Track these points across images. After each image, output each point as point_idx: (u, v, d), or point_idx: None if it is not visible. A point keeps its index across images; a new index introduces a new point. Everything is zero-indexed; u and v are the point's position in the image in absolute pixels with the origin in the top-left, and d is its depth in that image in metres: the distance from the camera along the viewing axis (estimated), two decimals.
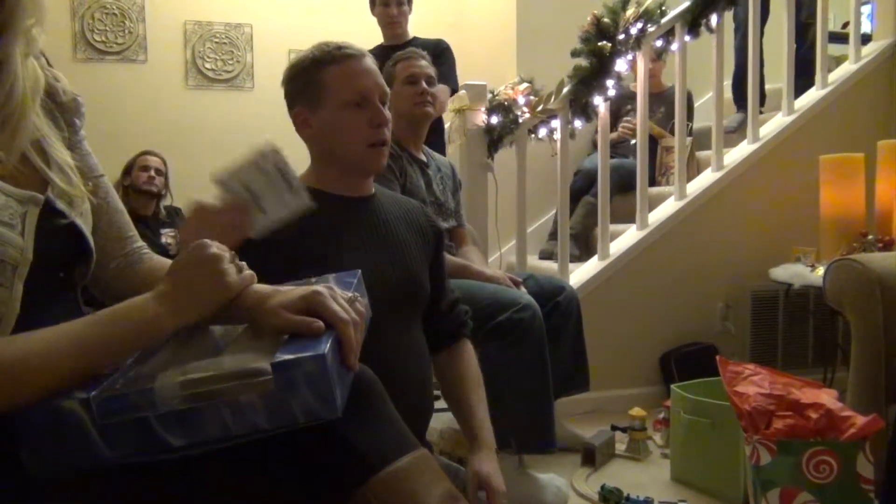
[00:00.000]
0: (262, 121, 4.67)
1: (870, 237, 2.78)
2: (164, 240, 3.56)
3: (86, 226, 0.94)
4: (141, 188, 3.56)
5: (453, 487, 0.94)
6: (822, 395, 1.80)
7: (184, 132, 4.51)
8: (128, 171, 3.61)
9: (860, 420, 1.71)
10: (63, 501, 0.79)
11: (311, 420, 0.78)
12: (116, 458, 0.77)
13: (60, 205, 0.89)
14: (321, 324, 0.85)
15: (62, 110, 0.98)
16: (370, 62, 1.47)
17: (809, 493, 1.68)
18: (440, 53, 3.25)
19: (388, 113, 1.46)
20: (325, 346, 0.79)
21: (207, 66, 4.63)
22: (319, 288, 0.89)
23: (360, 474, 0.85)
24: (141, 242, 1.06)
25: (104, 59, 4.47)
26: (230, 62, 4.67)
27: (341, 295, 0.90)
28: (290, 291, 0.90)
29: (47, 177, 0.89)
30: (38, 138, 0.90)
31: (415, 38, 3.34)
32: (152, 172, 3.58)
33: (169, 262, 1.06)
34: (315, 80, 1.44)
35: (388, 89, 1.50)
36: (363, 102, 1.43)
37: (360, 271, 1.09)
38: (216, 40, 4.64)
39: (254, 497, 0.85)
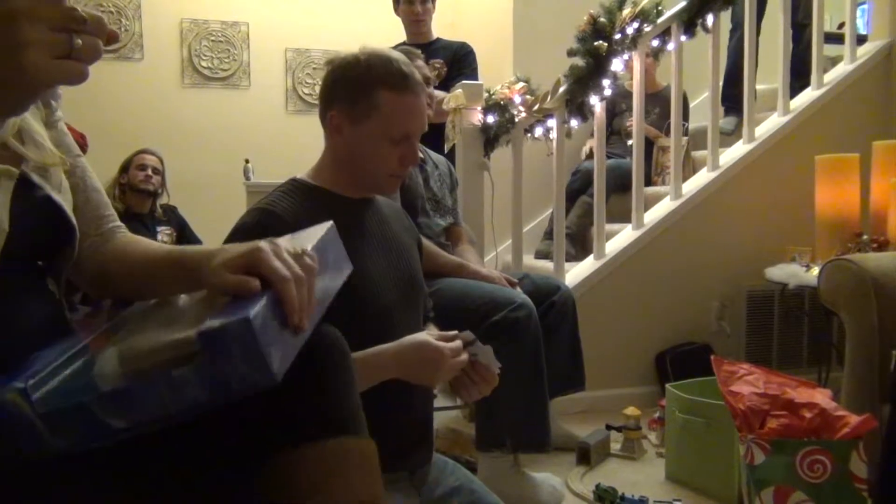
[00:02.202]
0: (258, 119, 4.68)
1: (865, 237, 2.79)
2: (160, 237, 3.56)
3: (67, 204, 0.91)
4: (138, 187, 3.56)
5: (380, 497, 0.88)
6: (816, 395, 1.81)
7: (180, 130, 4.51)
8: (125, 169, 3.61)
9: (854, 419, 1.72)
10: (16, 490, 0.77)
11: (249, 389, 0.73)
12: (66, 445, 0.74)
13: (37, 179, 0.87)
14: (257, 283, 0.79)
15: None
16: (424, 97, 1.43)
17: (803, 493, 1.68)
18: (464, 56, 3.26)
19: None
20: (254, 309, 0.73)
21: (204, 64, 4.63)
22: (261, 244, 0.82)
23: (273, 443, 0.81)
24: (118, 222, 1.04)
25: (101, 57, 4.45)
26: (226, 60, 4.67)
27: (288, 249, 0.83)
28: (233, 248, 0.84)
29: (21, 151, 0.86)
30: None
31: (438, 39, 3.34)
32: (149, 171, 3.58)
33: (138, 237, 1.04)
34: (369, 96, 1.37)
35: (426, 127, 1.48)
36: (403, 140, 1.40)
37: (331, 223, 1.03)
38: (212, 38, 4.64)
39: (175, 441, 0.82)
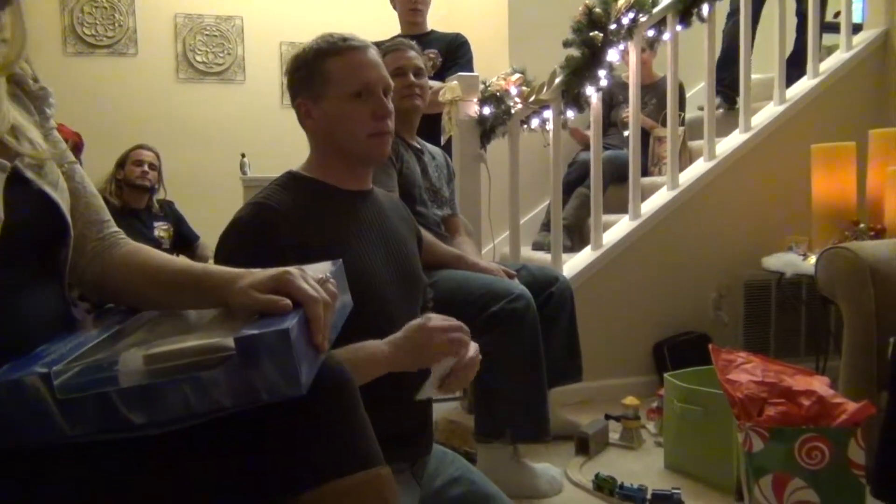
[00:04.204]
0: (254, 113, 4.67)
1: (861, 225, 2.80)
2: (156, 233, 3.56)
3: (62, 202, 0.93)
4: (134, 182, 3.55)
5: None
6: (814, 383, 1.82)
7: (175, 125, 4.50)
8: (121, 164, 3.60)
9: (852, 406, 1.72)
10: (18, 477, 0.78)
11: (275, 397, 0.77)
12: (78, 435, 0.76)
13: (30, 174, 0.89)
14: (288, 302, 0.84)
15: (31, 98, 0.98)
16: (374, 54, 1.45)
17: (801, 480, 1.69)
18: (458, 47, 3.24)
19: (391, 105, 1.45)
20: (291, 322, 0.78)
21: (198, 59, 4.61)
22: (290, 268, 0.89)
23: (294, 484, 0.82)
24: (117, 228, 1.06)
25: (94, 52, 4.45)
26: (221, 55, 4.66)
27: (312, 276, 0.89)
28: (260, 272, 0.90)
29: (15, 146, 0.88)
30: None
31: (433, 31, 3.32)
32: (146, 167, 3.57)
33: (149, 248, 1.06)
34: (318, 71, 1.42)
35: (391, 81, 1.48)
36: (366, 94, 1.41)
37: (340, 261, 1.09)
38: (207, 33, 4.63)
39: (192, 485, 0.83)
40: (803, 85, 3.54)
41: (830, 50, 3.79)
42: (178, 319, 0.96)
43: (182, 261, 1.02)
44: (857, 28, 3.76)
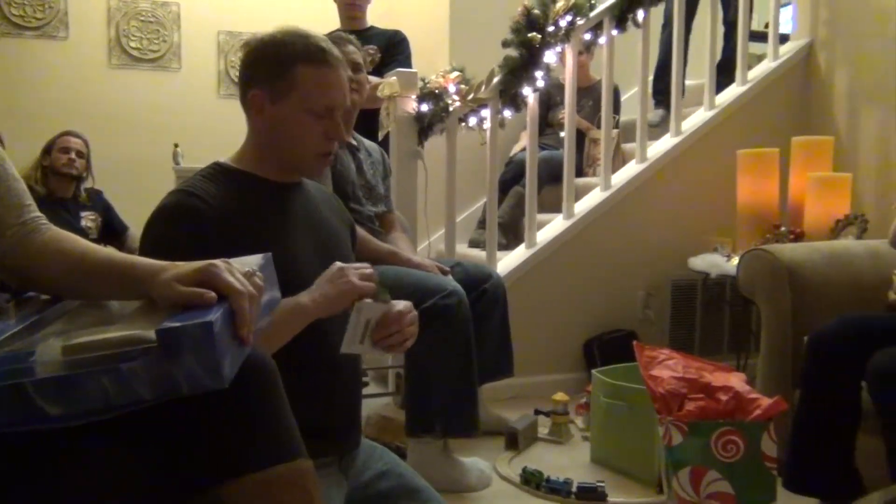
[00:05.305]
0: (189, 103, 4.58)
1: (783, 229, 2.91)
2: (83, 223, 3.46)
3: None
4: (60, 170, 3.44)
5: None
6: (731, 379, 1.88)
7: (107, 113, 4.38)
8: (47, 151, 3.49)
9: (766, 402, 1.79)
10: None
11: (196, 390, 0.77)
12: None
13: None
14: (213, 294, 0.83)
15: None
16: (344, 72, 1.43)
17: (717, 472, 1.75)
18: (396, 44, 3.24)
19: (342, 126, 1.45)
20: (214, 315, 0.78)
21: (132, 44, 4.49)
22: (215, 261, 0.88)
23: (214, 474, 0.83)
24: (39, 213, 1.03)
25: (23, 34, 4.29)
26: (156, 41, 4.55)
27: (238, 269, 0.89)
28: (185, 265, 0.89)
29: None
30: None
31: (372, 27, 3.31)
32: (73, 154, 3.47)
33: (73, 235, 1.04)
34: (287, 72, 1.37)
35: (349, 103, 1.46)
36: (326, 114, 1.39)
37: (270, 254, 1.08)
38: (142, 18, 4.51)
39: (112, 475, 0.82)
40: (732, 92, 3.65)
41: (761, 59, 3.91)
42: (99, 310, 0.95)
43: (106, 250, 1.00)
44: (784, 39, 3.89)
